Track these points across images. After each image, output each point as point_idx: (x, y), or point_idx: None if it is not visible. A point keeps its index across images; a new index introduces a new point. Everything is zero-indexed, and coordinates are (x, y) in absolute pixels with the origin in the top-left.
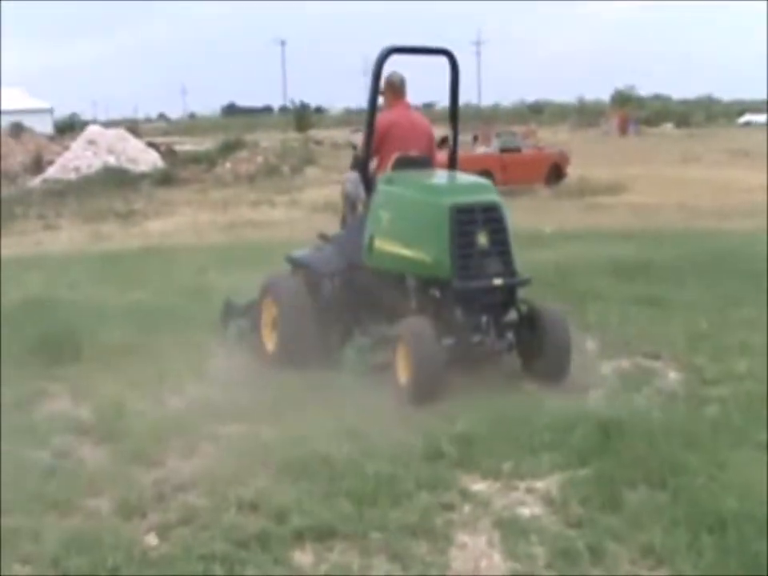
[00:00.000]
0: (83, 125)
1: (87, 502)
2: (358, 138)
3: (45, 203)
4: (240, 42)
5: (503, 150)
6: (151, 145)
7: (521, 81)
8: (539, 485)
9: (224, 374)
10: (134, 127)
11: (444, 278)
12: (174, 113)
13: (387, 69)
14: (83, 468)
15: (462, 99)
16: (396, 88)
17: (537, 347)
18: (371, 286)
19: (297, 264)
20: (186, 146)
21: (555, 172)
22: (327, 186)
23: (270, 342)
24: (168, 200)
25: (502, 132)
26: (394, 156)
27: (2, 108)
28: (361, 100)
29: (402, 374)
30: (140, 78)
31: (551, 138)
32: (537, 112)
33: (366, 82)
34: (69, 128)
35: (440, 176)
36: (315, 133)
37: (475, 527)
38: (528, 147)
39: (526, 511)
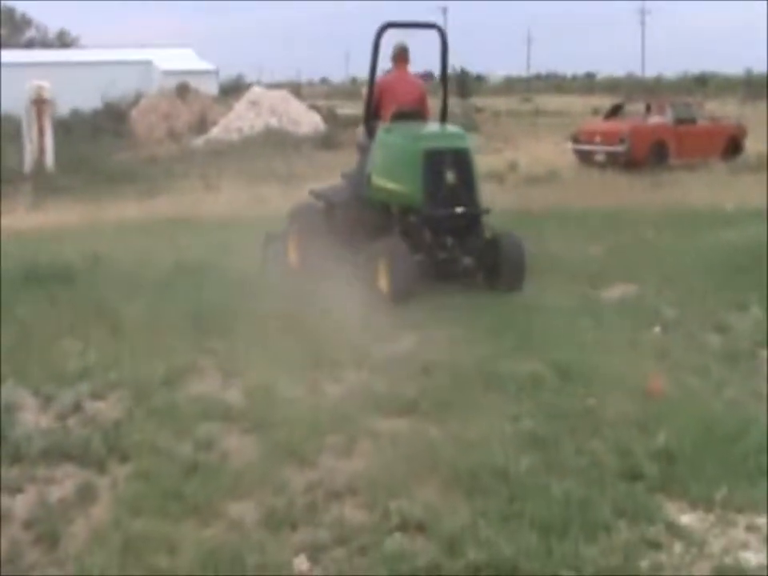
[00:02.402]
0: (248, 86)
1: (230, 507)
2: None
3: (207, 163)
4: (401, 8)
5: (678, 121)
6: (313, 107)
7: (685, 52)
8: (760, 521)
9: (388, 359)
10: (296, 90)
11: (417, 206)
12: (337, 77)
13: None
14: (228, 464)
15: (625, 69)
16: (397, 56)
17: (497, 265)
18: (369, 212)
19: (316, 196)
20: (347, 109)
21: (732, 145)
22: (491, 155)
23: (294, 258)
24: (328, 163)
25: (677, 102)
26: (391, 110)
27: (170, 68)
28: (521, 68)
29: (383, 282)
30: (304, 43)
31: (720, 110)
32: (702, 84)
33: (527, 52)
34: (234, 89)
35: (425, 126)
36: (476, 100)
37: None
38: (703, 118)
39: (750, 558)
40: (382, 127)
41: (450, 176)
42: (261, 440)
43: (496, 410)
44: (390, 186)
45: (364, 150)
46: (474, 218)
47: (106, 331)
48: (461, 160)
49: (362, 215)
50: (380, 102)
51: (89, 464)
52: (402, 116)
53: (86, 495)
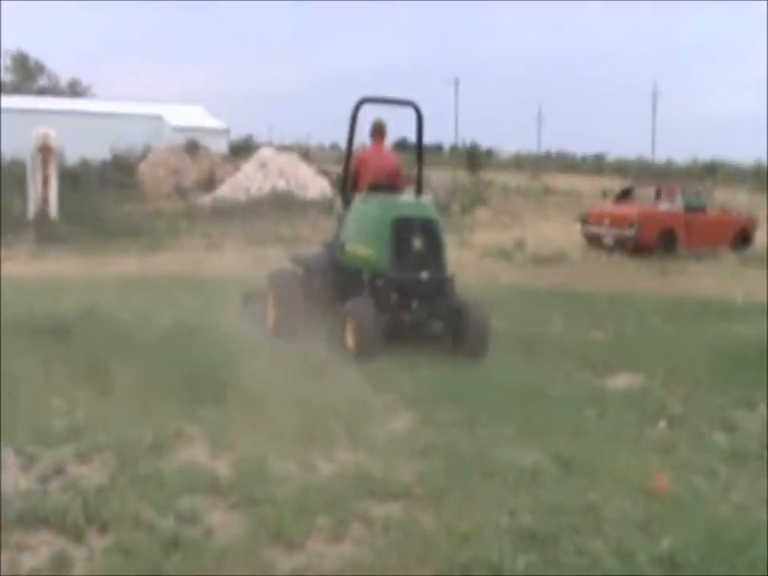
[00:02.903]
0: (257, 147)
1: None
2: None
3: (212, 221)
4: (412, 80)
5: (688, 209)
6: (322, 172)
7: (696, 136)
8: None
9: (381, 438)
10: (305, 153)
11: (384, 271)
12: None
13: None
14: (211, 541)
15: (636, 151)
16: (374, 131)
17: (463, 331)
18: (343, 278)
19: (297, 261)
20: None
21: (742, 237)
22: (498, 230)
23: (271, 319)
24: (333, 228)
25: (688, 189)
26: (367, 181)
27: (180, 125)
28: (531, 145)
29: (350, 339)
30: (314, 107)
31: (729, 199)
32: (711, 172)
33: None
34: (243, 149)
35: (396, 198)
36: (485, 174)
37: None
38: (713, 207)
39: None
40: (357, 198)
41: (418, 243)
42: (247, 517)
43: (493, 500)
44: (361, 252)
45: (341, 219)
46: (439, 283)
47: (97, 390)
48: (428, 229)
49: (337, 280)
50: (357, 174)
51: (66, 532)
52: (377, 188)
53: (60, 566)
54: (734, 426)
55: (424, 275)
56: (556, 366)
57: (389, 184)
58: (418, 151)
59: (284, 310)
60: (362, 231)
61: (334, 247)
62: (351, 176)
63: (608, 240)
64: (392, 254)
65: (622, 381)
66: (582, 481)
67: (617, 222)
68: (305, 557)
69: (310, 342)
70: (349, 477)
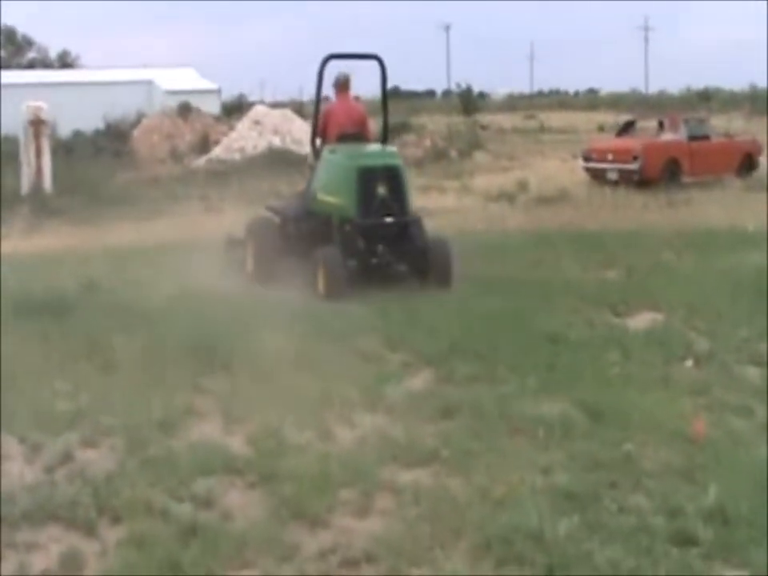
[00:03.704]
0: (250, 105)
1: None
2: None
3: (208, 184)
4: (404, 26)
5: (691, 138)
6: None
7: (688, 67)
8: None
9: (400, 398)
10: (299, 109)
11: (351, 217)
12: None
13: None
14: (230, 525)
15: (628, 84)
16: (338, 85)
17: (427, 270)
18: (315, 225)
19: (272, 210)
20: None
21: (748, 162)
22: (499, 173)
23: (249, 266)
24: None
25: (690, 118)
26: (335, 133)
27: (172, 88)
28: (524, 86)
29: (320, 284)
30: (305, 60)
31: (726, 126)
32: (705, 99)
33: (530, 68)
34: (236, 109)
35: (362, 147)
36: (481, 117)
37: None
38: (717, 135)
39: None
40: (326, 149)
41: (382, 189)
42: (267, 496)
43: (524, 459)
44: (330, 199)
45: (312, 170)
46: (404, 226)
47: (99, 369)
48: (392, 175)
49: (310, 227)
50: (325, 126)
51: (77, 526)
52: (345, 138)
53: (71, 565)
54: (763, 359)
55: (388, 219)
56: (573, 309)
57: (356, 134)
58: (384, 102)
59: (261, 257)
60: (331, 180)
61: (307, 196)
62: (320, 128)
63: (612, 175)
64: (358, 200)
65: (641, 320)
66: (615, 431)
67: (620, 155)
68: (331, 535)
69: (286, 286)
70: (371, 442)
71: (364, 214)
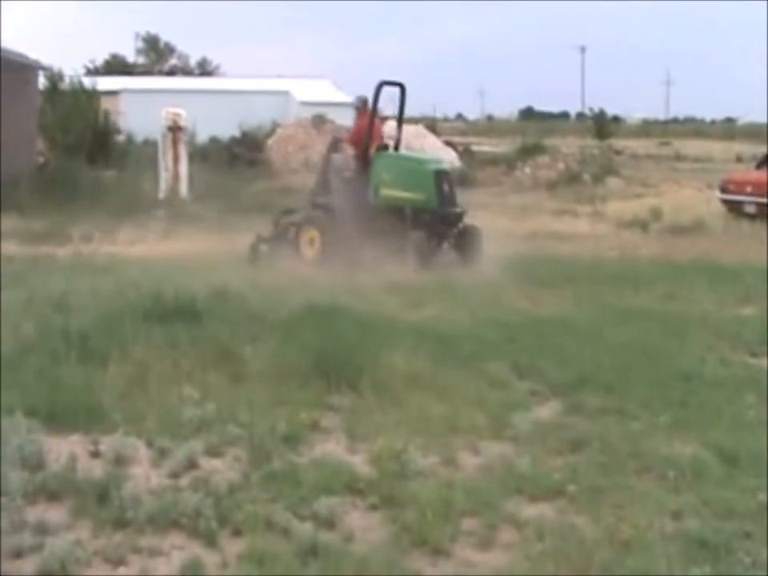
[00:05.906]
0: (384, 120)
1: None
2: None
3: None
4: (539, 46)
5: None
6: (449, 143)
7: None
8: None
9: (527, 432)
10: (432, 125)
11: (432, 208)
12: (472, 114)
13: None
14: (351, 547)
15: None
16: (365, 106)
17: (465, 247)
18: (377, 215)
19: (321, 206)
20: (483, 146)
21: None
22: (632, 200)
23: (309, 255)
24: (465, 201)
25: None
26: (376, 144)
27: (307, 99)
28: (658, 111)
29: (411, 260)
30: (439, 77)
31: None
32: None
33: (665, 92)
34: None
35: (416, 154)
36: (614, 142)
37: None
38: None
39: None
40: (375, 154)
41: (446, 187)
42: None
43: (654, 501)
44: (405, 194)
45: (343, 174)
46: (460, 214)
47: (228, 378)
48: (449, 177)
49: (371, 217)
50: (361, 138)
51: (198, 535)
52: (380, 148)
53: (192, 574)
54: None
55: (457, 209)
56: (707, 345)
57: (384, 145)
58: (399, 120)
59: (327, 245)
60: (406, 180)
61: (353, 193)
62: (357, 139)
63: (750, 208)
64: (437, 195)
65: None
66: (750, 478)
67: (759, 189)
68: (452, 566)
69: (351, 271)
70: (496, 471)
71: (441, 204)
